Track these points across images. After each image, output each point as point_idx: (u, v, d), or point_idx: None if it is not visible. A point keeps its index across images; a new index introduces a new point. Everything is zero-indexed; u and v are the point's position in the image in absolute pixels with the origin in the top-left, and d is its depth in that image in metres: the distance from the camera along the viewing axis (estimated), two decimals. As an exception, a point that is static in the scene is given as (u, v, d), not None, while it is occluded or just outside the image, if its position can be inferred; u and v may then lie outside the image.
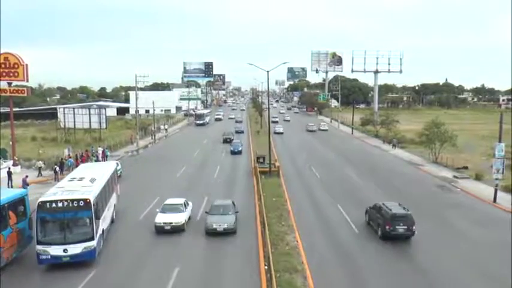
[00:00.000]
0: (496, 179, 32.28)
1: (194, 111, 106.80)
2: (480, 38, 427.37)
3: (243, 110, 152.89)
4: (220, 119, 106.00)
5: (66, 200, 19.52)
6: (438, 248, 22.78)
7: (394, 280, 19.07)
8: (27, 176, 35.17)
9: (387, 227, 23.38)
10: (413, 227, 23.44)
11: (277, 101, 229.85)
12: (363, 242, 23.66)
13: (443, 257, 21.60)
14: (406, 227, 23.33)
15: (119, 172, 36.06)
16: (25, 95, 45.77)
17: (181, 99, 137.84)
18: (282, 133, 76.87)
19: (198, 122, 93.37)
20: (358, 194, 34.34)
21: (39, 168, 40.62)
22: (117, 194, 28.68)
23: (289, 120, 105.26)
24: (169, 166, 45.10)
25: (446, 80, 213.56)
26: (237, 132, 72.18)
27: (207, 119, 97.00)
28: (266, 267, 19.24)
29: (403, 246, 23.10)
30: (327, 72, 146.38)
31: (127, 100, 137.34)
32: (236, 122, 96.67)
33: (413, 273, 19.78)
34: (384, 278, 19.24)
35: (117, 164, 36.59)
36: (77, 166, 41.72)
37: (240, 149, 51.71)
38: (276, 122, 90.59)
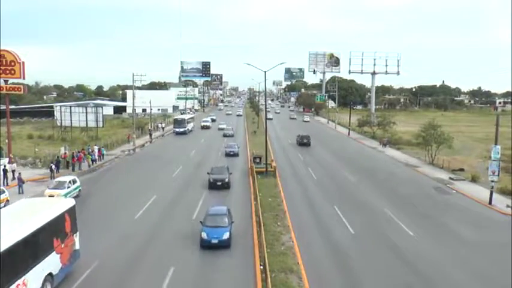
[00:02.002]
0: (492, 181, 32.40)
1: (174, 118, 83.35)
2: (477, 40, 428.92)
3: (240, 115, 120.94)
4: (207, 127, 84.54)
5: None
6: (433, 249, 22.84)
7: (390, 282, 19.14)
8: (20, 174, 34.79)
9: (299, 140, 61.04)
10: (310, 141, 60.56)
11: (272, 100, 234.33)
12: (359, 242, 23.70)
13: (439, 258, 21.65)
14: (306, 140, 60.57)
15: (76, 191, 31.20)
16: (21, 92, 45.56)
17: (178, 98, 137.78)
18: (271, 119, 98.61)
19: (177, 130, 74.19)
20: (354, 194, 34.41)
21: (13, 172, 36.14)
22: (69, 252, 18.43)
23: (279, 113, 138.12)
24: (165, 166, 45.05)
25: (443, 82, 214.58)
26: (227, 155, 50.44)
27: (189, 126, 77.64)
28: (261, 267, 19.24)
29: (307, 148, 58.89)
30: (324, 73, 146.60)
31: (124, 99, 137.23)
32: (225, 136, 69.68)
33: (407, 273, 19.82)
34: (377, 278, 19.28)
35: (72, 182, 31.43)
36: (73, 164, 41.95)
37: (225, 236, 22.21)
38: (268, 111, 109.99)
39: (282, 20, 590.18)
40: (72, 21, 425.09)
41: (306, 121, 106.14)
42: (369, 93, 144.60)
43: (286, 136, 73.80)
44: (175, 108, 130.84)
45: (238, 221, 26.40)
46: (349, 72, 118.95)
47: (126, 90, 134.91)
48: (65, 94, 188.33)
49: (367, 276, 19.54)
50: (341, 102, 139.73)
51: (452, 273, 20.08)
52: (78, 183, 32.13)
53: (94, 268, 19.47)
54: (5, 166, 36.95)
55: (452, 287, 18.91)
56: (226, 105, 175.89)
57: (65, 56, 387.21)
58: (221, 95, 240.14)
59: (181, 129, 74.24)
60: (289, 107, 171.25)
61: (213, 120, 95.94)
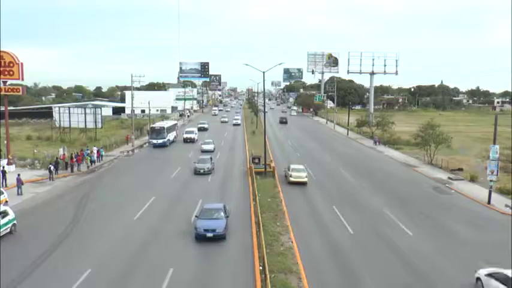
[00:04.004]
0: (491, 180, 32.47)
1: (151, 126, 65.77)
2: (476, 40, 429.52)
3: (238, 124, 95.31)
4: (191, 140, 64.69)
5: None
6: (432, 249, 22.87)
7: (387, 277, 19.16)
8: (19, 175, 34.72)
9: (280, 120, 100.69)
10: (287, 120, 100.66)
11: (270, 99, 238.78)
12: (358, 242, 23.71)
13: (438, 257, 21.70)
14: (285, 120, 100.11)
15: (7, 227, 23.65)
16: (20, 93, 45.48)
17: (177, 99, 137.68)
18: (266, 112, 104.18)
19: (154, 141, 59.66)
20: (353, 194, 34.48)
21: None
22: None
23: (273, 108, 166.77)
24: (164, 166, 45.07)
25: (442, 82, 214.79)
26: (200, 237, 23.09)
27: (170, 136, 62.62)
28: (261, 267, 19.25)
29: (286, 125, 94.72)
30: (323, 73, 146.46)
31: (123, 100, 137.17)
32: (198, 173, 40.85)
33: (406, 273, 19.85)
34: (377, 278, 19.30)
35: (1, 215, 23.24)
36: (71, 165, 41.90)
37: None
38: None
39: (281, 20, 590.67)
40: (71, 23, 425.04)
41: (292, 115, 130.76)
42: (367, 93, 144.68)
43: (275, 120, 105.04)
44: (174, 108, 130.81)
45: (237, 221, 26.48)
46: (348, 72, 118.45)
47: (124, 91, 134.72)
48: (63, 95, 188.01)
49: (366, 276, 19.54)
50: (340, 102, 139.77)
51: (451, 273, 20.09)
52: (10, 216, 24.41)
53: (95, 266, 19.47)
54: (3, 167, 36.94)
55: (451, 287, 18.94)
56: (221, 110, 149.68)
57: (64, 57, 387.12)
58: (220, 95, 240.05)
59: (160, 141, 59.71)
60: (288, 107, 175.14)
61: (202, 130, 79.07)
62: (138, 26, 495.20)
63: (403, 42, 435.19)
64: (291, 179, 36.95)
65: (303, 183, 36.88)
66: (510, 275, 16.90)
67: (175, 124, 71.54)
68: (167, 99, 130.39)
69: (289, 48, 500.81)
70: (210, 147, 55.55)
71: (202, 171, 40.64)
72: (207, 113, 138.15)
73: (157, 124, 64.52)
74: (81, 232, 24.51)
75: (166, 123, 65.16)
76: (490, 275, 17.82)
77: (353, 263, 20.91)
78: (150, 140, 60.89)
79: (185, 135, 66.24)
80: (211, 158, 43.64)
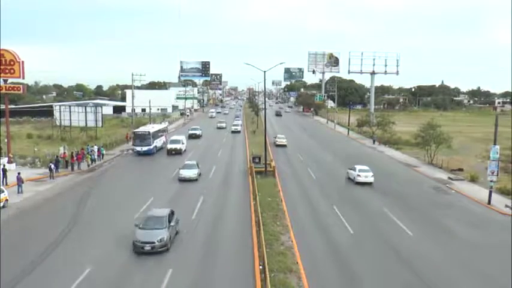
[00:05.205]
0: (491, 181, 32.45)
1: (133, 131, 55.99)
2: (476, 40, 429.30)
3: (237, 131, 78.75)
4: (177, 151, 51.95)
5: None
6: (432, 249, 22.86)
7: (388, 277, 19.16)
8: (19, 173, 34.70)
9: (275, 113, 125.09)
10: (282, 113, 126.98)
11: (270, 98, 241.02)
12: (358, 242, 23.71)
13: (437, 257, 21.68)
14: (279, 113, 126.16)
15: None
16: (21, 92, 45.50)
17: (177, 98, 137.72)
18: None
19: (138, 148, 51.54)
20: (353, 194, 34.47)
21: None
22: None
23: (272, 106, 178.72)
24: (164, 165, 45.05)
25: (443, 82, 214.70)
26: None
27: (157, 143, 54.52)
28: (261, 267, 19.25)
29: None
30: (323, 73, 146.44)
31: (123, 99, 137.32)
32: (136, 249, 21.13)
33: (407, 273, 19.84)
34: (377, 278, 19.30)
35: None
36: (72, 164, 41.91)
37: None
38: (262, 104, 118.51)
39: (282, 20, 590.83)
40: (72, 21, 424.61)
41: (287, 111, 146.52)
42: (368, 93, 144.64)
43: (272, 115, 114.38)
44: (174, 108, 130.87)
45: (237, 220, 26.50)
46: (349, 72, 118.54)
47: (125, 90, 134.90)
48: (64, 94, 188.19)
49: (366, 276, 19.54)
50: (340, 102, 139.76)
51: (451, 273, 20.09)
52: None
53: (94, 264, 19.47)
54: (4, 165, 36.94)
55: (450, 285, 18.94)
56: (219, 112, 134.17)
57: (65, 55, 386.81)
58: (220, 94, 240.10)
59: (145, 148, 51.33)
60: (290, 106, 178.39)
61: (194, 137, 67.89)
62: (139, 25, 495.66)
63: (403, 42, 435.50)
64: (277, 143, 60.84)
65: (284, 145, 59.69)
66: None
67: (164, 128, 62.92)
68: (168, 98, 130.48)
69: (290, 48, 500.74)
70: (192, 173, 38.00)
71: (149, 247, 20.86)
72: (207, 112, 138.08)
73: (141, 129, 55.47)
74: (81, 231, 24.56)
75: (152, 128, 56.07)
76: (349, 168, 39.42)
77: (353, 263, 20.90)
78: (134, 147, 52.43)
79: (170, 146, 53.19)
80: (172, 213, 23.67)
